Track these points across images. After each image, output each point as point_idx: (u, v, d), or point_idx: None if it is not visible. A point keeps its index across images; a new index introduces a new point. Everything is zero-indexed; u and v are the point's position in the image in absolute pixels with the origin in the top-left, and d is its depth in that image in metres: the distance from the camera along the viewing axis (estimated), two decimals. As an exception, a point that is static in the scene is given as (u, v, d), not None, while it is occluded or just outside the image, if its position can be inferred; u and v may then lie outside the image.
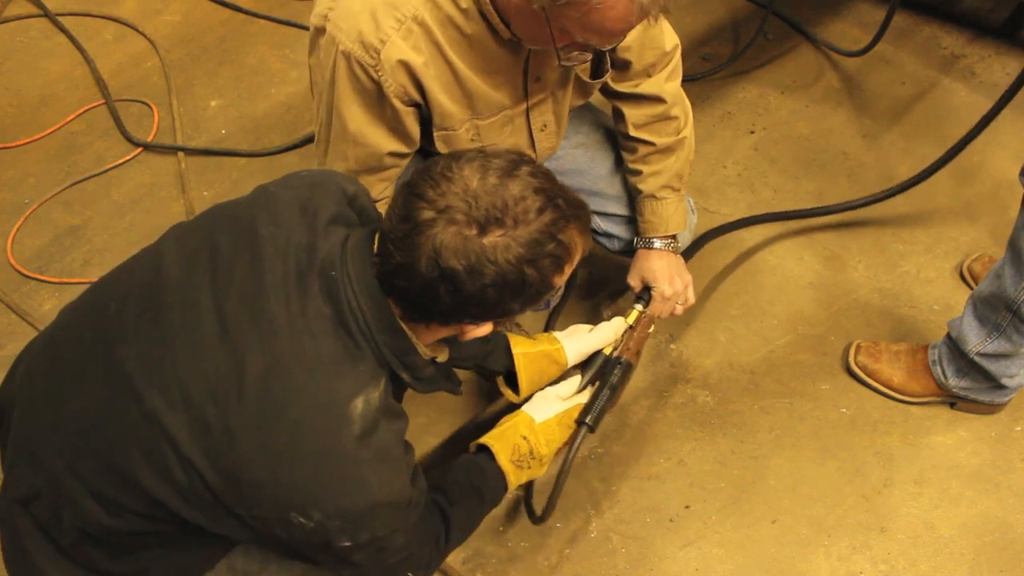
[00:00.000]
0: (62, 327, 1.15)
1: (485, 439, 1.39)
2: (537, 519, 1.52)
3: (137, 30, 2.72)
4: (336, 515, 0.97)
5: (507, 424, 1.41)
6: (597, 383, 1.51)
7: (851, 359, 1.89)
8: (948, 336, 1.77)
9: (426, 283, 0.95)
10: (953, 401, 1.83)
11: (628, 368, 1.54)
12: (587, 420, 1.46)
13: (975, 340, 1.67)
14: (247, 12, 2.78)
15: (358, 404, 0.98)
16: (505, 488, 1.37)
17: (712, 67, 2.56)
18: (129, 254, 1.16)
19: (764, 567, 1.65)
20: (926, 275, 2.08)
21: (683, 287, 1.65)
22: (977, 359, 1.69)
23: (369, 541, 1.02)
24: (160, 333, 1.01)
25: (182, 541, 1.07)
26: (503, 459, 1.36)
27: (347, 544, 1.01)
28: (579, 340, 1.56)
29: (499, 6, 1.24)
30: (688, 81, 2.50)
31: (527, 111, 1.46)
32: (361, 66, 1.26)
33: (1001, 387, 1.74)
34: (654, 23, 1.18)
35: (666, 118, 1.56)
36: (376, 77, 1.27)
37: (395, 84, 1.28)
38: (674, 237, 1.64)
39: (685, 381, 1.90)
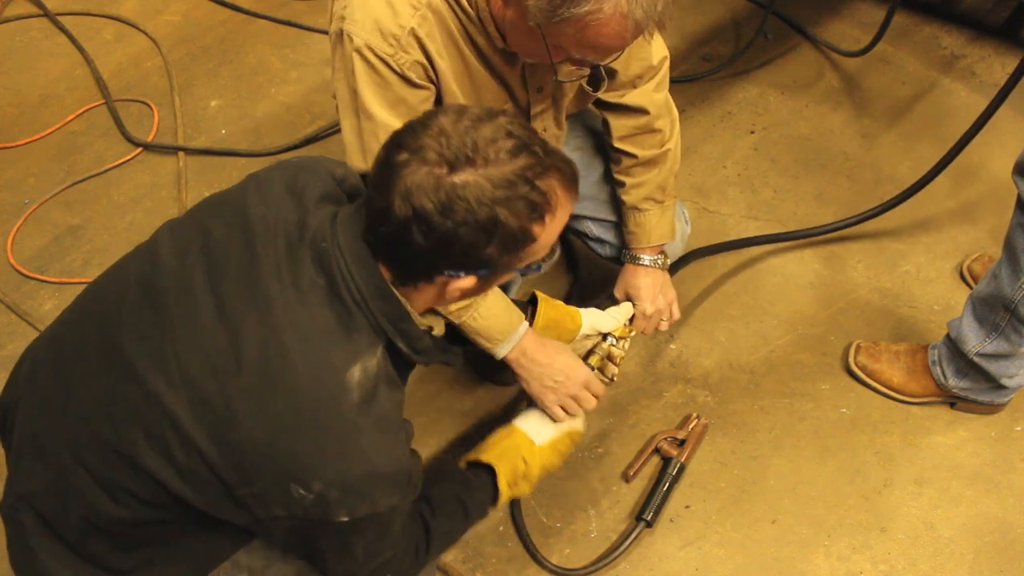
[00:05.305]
0: (64, 323, 1.16)
1: (487, 458, 1.36)
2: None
3: (139, 28, 2.72)
4: (336, 484, 0.97)
5: (506, 443, 1.39)
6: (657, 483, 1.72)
7: (851, 359, 1.89)
8: (948, 336, 1.77)
9: (401, 225, 0.95)
10: (953, 401, 1.83)
11: (683, 469, 1.74)
12: (646, 516, 1.66)
13: (974, 340, 1.67)
14: (247, 12, 2.78)
15: (355, 372, 0.98)
16: (493, 505, 1.35)
17: (712, 67, 2.56)
18: (129, 254, 1.17)
19: (764, 567, 1.65)
20: (926, 275, 2.08)
21: (666, 304, 1.64)
22: (976, 359, 1.69)
23: (368, 517, 1.01)
24: (158, 317, 1.02)
25: (188, 533, 1.07)
26: (502, 482, 1.34)
27: (346, 519, 0.99)
28: (593, 314, 1.55)
29: (496, 19, 1.24)
30: (688, 81, 2.51)
31: (528, 118, 1.46)
32: (382, 60, 1.25)
33: (1001, 387, 1.74)
34: (649, 38, 1.18)
35: (650, 130, 1.55)
36: (398, 68, 1.26)
37: (419, 67, 1.27)
38: (662, 252, 1.64)
39: (685, 381, 1.90)
